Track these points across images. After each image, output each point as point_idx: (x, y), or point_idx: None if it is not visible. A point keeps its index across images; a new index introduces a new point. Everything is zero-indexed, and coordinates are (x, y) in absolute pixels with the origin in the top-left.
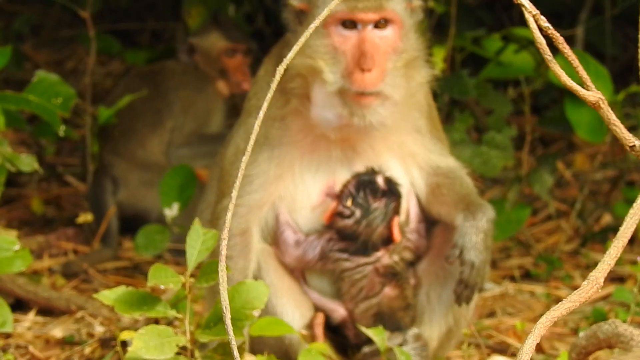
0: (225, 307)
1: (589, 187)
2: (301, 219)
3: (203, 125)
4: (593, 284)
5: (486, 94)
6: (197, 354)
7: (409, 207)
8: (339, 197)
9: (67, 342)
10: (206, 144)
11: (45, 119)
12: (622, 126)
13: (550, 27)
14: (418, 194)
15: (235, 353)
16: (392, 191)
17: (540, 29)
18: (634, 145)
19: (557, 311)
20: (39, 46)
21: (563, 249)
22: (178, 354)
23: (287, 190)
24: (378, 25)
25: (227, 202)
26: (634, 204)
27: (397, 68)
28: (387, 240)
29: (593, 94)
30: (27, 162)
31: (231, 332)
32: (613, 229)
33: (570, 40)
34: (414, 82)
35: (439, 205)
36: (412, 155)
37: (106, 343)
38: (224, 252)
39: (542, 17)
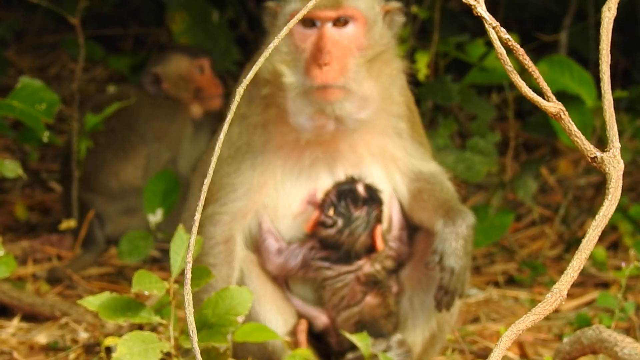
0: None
1: (572, 193)
2: (283, 227)
3: (176, 152)
4: (557, 296)
5: (470, 99)
6: None
7: (392, 213)
8: (321, 206)
9: (51, 348)
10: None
11: (29, 125)
12: (583, 137)
13: (511, 39)
14: (400, 200)
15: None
16: (373, 199)
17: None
18: (596, 157)
19: (522, 324)
20: (22, 52)
21: (547, 255)
22: None
23: (270, 198)
24: (338, 22)
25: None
26: (597, 216)
27: (362, 64)
28: (370, 249)
29: (554, 105)
30: (11, 168)
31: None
32: None
33: (553, 46)
34: (384, 77)
35: (420, 211)
36: (394, 160)
37: (90, 349)
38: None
39: (501, 28)
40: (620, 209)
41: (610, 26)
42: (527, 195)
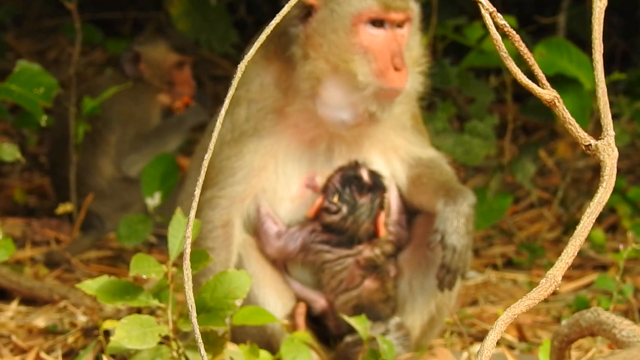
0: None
1: (571, 175)
2: (282, 211)
3: (144, 130)
4: (551, 282)
5: (468, 82)
6: (179, 343)
7: (390, 198)
8: (325, 192)
9: (49, 332)
10: (151, 144)
11: (27, 109)
12: (577, 125)
13: (507, 25)
14: (399, 185)
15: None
16: (377, 185)
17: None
18: (590, 144)
19: (516, 309)
20: (21, 36)
21: (545, 237)
22: (160, 343)
23: (269, 182)
24: (401, 24)
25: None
26: (591, 203)
27: (409, 65)
28: (372, 235)
29: (549, 92)
30: (10, 152)
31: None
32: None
33: (552, 28)
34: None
35: (420, 194)
36: (394, 149)
37: (89, 332)
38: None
39: (498, 14)
40: (619, 192)
41: (602, 16)
42: (525, 178)
